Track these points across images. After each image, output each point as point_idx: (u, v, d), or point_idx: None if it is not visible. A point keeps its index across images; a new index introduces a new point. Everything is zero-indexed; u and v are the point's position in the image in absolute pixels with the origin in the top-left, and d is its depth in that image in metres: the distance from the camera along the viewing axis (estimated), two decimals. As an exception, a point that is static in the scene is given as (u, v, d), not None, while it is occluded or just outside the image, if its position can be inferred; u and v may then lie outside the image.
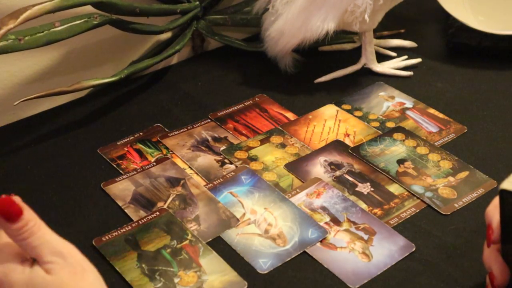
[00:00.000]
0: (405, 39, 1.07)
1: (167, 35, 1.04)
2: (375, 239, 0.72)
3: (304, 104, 0.95)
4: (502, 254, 0.59)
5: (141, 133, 0.89)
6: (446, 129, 0.89)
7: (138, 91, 0.99)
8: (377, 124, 0.90)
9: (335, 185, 0.79)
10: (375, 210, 0.76)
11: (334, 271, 0.69)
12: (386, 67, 1.01)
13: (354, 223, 0.74)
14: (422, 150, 0.85)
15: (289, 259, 0.70)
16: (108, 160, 0.85)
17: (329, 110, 0.93)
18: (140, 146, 0.87)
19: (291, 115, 0.92)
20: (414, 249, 0.71)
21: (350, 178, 0.81)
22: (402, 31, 1.10)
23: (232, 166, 0.83)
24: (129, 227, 0.73)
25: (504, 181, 0.55)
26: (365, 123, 0.90)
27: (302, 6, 0.89)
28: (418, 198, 0.77)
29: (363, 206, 0.76)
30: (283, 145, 0.86)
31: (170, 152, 0.86)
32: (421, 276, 0.68)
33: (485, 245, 0.61)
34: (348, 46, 1.07)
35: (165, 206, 0.77)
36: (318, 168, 0.82)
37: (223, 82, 1.01)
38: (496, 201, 0.60)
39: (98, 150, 0.86)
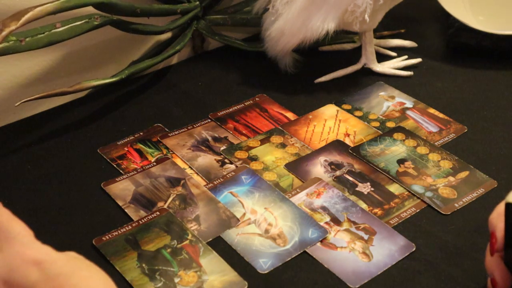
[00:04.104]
0: (405, 39, 1.07)
1: (167, 35, 1.04)
2: (375, 239, 0.72)
3: (304, 104, 0.95)
4: (505, 261, 0.59)
5: (141, 133, 0.89)
6: (446, 129, 0.89)
7: (138, 91, 0.99)
8: (377, 124, 0.90)
9: (335, 185, 0.80)
10: (375, 210, 0.76)
11: (335, 271, 0.69)
12: (386, 67, 1.01)
13: (354, 223, 0.74)
14: (422, 150, 0.85)
15: (289, 259, 0.70)
16: (108, 160, 0.85)
17: (329, 110, 0.93)
18: (140, 146, 0.87)
19: (291, 115, 0.92)
20: (414, 249, 0.71)
21: (350, 178, 0.81)
22: (402, 31, 1.11)
23: (232, 166, 0.83)
24: (129, 227, 0.74)
25: (509, 193, 0.56)
26: (365, 123, 0.90)
27: (302, 6, 0.89)
28: (418, 198, 0.77)
29: (363, 206, 0.76)
30: (283, 145, 0.86)
31: (170, 152, 0.86)
32: (421, 276, 0.68)
33: (487, 251, 0.61)
34: (348, 46, 1.07)
35: (165, 206, 0.77)
36: (318, 168, 0.82)
37: (223, 82, 1.01)
38: (499, 208, 0.60)
39: (98, 150, 0.86)
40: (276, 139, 0.88)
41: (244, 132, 0.89)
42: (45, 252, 0.49)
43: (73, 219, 0.76)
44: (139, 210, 0.76)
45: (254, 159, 0.84)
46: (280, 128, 0.90)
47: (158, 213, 0.75)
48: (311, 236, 0.72)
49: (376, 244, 0.71)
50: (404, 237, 0.72)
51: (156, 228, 0.73)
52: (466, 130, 0.89)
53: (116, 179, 0.81)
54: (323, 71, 1.00)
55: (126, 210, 0.77)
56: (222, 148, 0.86)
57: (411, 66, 1.02)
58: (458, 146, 0.86)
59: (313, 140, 0.87)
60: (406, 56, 1.03)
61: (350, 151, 0.85)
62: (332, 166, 0.83)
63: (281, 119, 0.92)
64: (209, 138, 0.88)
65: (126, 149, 0.87)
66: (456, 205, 0.76)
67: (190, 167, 0.83)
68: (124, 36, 0.98)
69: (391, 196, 0.78)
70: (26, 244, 0.49)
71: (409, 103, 0.94)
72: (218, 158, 0.85)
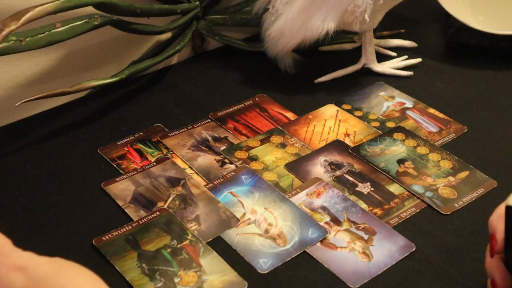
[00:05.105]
0: (405, 39, 1.07)
1: (167, 35, 1.04)
2: (375, 239, 0.72)
3: (304, 104, 0.95)
4: (505, 262, 0.59)
5: (141, 133, 0.89)
6: (446, 129, 0.89)
7: (138, 91, 0.99)
8: (377, 124, 0.90)
9: (335, 185, 0.80)
10: (375, 210, 0.76)
11: (334, 271, 0.69)
12: (386, 67, 1.01)
13: (354, 223, 0.74)
14: (422, 150, 0.85)
15: (289, 259, 0.70)
16: (108, 160, 0.85)
17: (329, 110, 0.93)
18: (140, 146, 0.87)
19: (291, 115, 0.92)
20: (414, 249, 0.71)
21: (350, 178, 0.81)
22: (402, 31, 1.11)
23: (232, 166, 0.83)
24: (129, 227, 0.74)
25: (510, 196, 0.56)
26: (365, 123, 0.90)
27: (302, 6, 0.89)
28: (418, 198, 0.77)
29: (363, 206, 0.76)
30: (283, 145, 0.86)
31: (170, 152, 0.86)
32: (421, 276, 0.68)
33: (487, 252, 0.61)
34: (348, 46, 1.07)
35: (165, 206, 0.77)
36: (318, 168, 0.82)
37: (223, 82, 1.01)
38: (499, 210, 0.60)
39: (98, 150, 0.86)
40: (276, 139, 0.88)
41: (244, 132, 0.89)
42: (28, 258, 0.49)
43: (73, 219, 0.76)
44: (139, 210, 0.76)
45: (254, 159, 0.84)
46: (280, 128, 0.90)
47: (158, 213, 0.75)
48: (311, 236, 0.72)
49: (376, 244, 0.71)
50: (404, 237, 0.72)
51: (156, 228, 0.73)
52: (466, 130, 0.89)
53: (116, 179, 0.81)
54: (323, 71, 1.00)
55: (126, 210, 0.77)
56: (222, 148, 0.86)
57: (411, 66, 1.02)
58: (458, 146, 0.86)
59: (313, 140, 0.87)
60: (406, 56, 1.03)
61: (350, 151, 0.85)
62: (332, 166, 0.83)
63: (281, 119, 0.92)
64: (209, 138, 0.88)
65: (126, 149, 0.87)
66: (456, 205, 0.76)
67: (190, 167, 0.83)
68: (124, 36, 0.98)
69: (391, 196, 0.78)
70: (7, 253, 0.49)
71: (409, 103, 0.94)
72: (218, 158, 0.85)
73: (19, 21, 0.76)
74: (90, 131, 0.91)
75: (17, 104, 0.83)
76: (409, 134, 0.88)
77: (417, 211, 0.76)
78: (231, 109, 0.94)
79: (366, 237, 0.72)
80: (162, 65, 1.04)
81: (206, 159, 0.84)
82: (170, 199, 0.78)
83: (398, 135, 0.87)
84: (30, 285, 0.48)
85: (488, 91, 0.96)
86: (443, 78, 1.00)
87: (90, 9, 0.86)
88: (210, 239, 0.72)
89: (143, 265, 0.69)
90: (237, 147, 0.86)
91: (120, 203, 0.78)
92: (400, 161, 0.83)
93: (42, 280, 0.48)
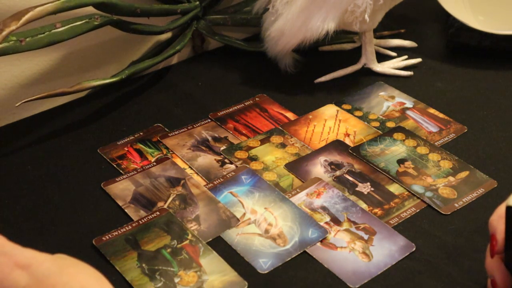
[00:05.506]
0: (405, 39, 1.07)
1: (167, 35, 1.05)
2: (375, 239, 0.72)
3: (304, 104, 0.95)
4: (505, 262, 0.59)
5: (141, 133, 0.89)
6: (446, 129, 0.89)
7: (138, 91, 0.99)
8: (377, 124, 0.90)
9: (335, 185, 0.80)
10: (375, 210, 0.76)
11: (334, 271, 0.69)
12: (386, 67, 1.01)
13: (354, 223, 0.74)
14: (422, 150, 0.85)
15: (289, 259, 0.70)
16: (108, 160, 0.85)
17: (329, 110, 0.93)
18: (140, 146, 0.87)
19: (291, 115, 0.92)
20: (414, 249, 0.71)
21: (350, 178, 0.81)
22: (402, 31, 1.11)
23: (232, 166, 0.83)
24: (129, 227, 0.74)
25: (510, 196, 0.56)
26: (365, 123, 0.90)
27: (303, 6, 0.89)
28: (418, 198, 0.77)
29: (363, 206, 0.77)
30: (283, 145, 0.87)
31: (170, 152, 0.86)
32: (421, 276, 0.68)
33: (488, 253, 0.61)
34: (348, 46, 1.07)
35: (165, 206, 0.77)
36: (318, 168, 0.82)
37: (223, 82, 1.01)
38: (499, 210, 0.60)
39: (98, 150, 0.86)
40: (276, 139, 0.88)
41: (244, 132, 0.89)
42: (30, 255, 0.49)
43: (73, 219, 0.76)
44: (139, 210, 0.76)
45: (254, 159, 0.84)
46: (280, 128, 0.90)
47: (158, 213, 0.75)
48: (311, 236, 0.72)
49: (376, 244, 0.71)
50: (404, 237, 0.72)
51: (156, 228, 0.73)
52: (466, 130, 0.89)
53: (116, 179, 0.81)
54: (323, 71, 1.00)
55: (126, 210, 0.77)
56: (222, 148, 0.86)
57: (411, 66, 1.02)
58: (458, 146, 0.86)
59: (313, 140, 0.87)
60: (406, 56, 1.03)
61: (350, 151, 0.85)
62: (332, 166, 0.83)
63: (281, 119, 0.92)
64: (209, 138, 0.88)
65: (126, 149, 0.87)
66: (456, 205, 0.76)
67: (190, 167, 0.83)
68: (124, 36, 0.98)
69: (391, 196, 0.78)
70: (9, 252, 0.49)
71: (409, 103, 0.94)
72: (218, 158, 0.85)
73: (19, 21, 0.76)
74: (90, 131, 0.91)
75: (17, 104, 0.83)
76: (409, 134, 0.88)
77: (417, 211, 0.76)
78: (231, 109, 0.94)
79: (366, 237, 0.72)
80: (162, 65, 1.04)
81: (206, 159, 0.84)
82: (170, 199, 0.78)
83: (398, 135, 0.87)
84: (34, 283, 0.48)
85: (488, 91, 0.96)
86: (443, 78, 1.00)
87: (90, 9, 0.86)
88: (210, 239, 0.72)
89: (143, 265, 0.69)
90: (237, 147, 0.86)
91: (120, 203, 0.78)
92: (400, 161, 0.83)
93: (45, 278, 0.48)
